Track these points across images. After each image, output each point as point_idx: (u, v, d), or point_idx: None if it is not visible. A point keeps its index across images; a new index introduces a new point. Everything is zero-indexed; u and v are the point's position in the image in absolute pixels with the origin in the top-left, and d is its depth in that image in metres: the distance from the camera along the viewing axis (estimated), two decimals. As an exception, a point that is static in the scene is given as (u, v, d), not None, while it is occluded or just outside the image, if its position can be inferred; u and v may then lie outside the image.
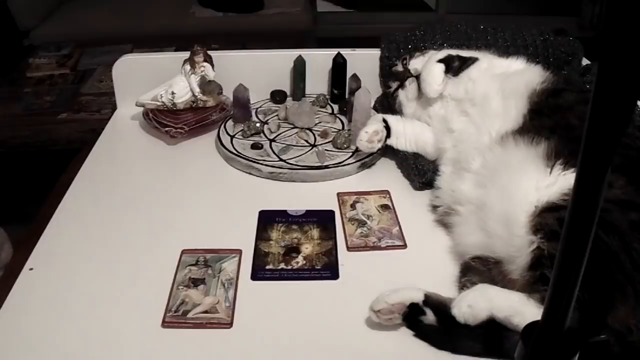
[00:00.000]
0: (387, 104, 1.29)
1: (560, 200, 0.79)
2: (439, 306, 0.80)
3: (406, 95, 1.18)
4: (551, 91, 0.99)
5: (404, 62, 1.21)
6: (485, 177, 0.94)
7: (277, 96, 1.39)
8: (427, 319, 0.80)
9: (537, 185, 0.83)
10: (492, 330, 0.77)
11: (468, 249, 0.91)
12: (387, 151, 1.20)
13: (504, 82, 1.04)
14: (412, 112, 1.19)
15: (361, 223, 1.03)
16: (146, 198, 1.11)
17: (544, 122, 0.93)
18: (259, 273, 0.92)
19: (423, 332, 0.80)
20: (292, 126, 1.29)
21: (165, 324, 0.83)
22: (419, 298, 0.80)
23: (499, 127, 0.97)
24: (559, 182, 0.82)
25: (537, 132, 0.91)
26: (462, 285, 0.86)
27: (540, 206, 0.81)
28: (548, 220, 0.78)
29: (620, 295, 0.73)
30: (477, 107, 1.04)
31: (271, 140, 1.24)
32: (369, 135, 1.13)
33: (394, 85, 1.23)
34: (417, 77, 1.15)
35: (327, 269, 0.93)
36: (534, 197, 0.82)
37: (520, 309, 0.75)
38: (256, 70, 1.38)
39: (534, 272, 0.78)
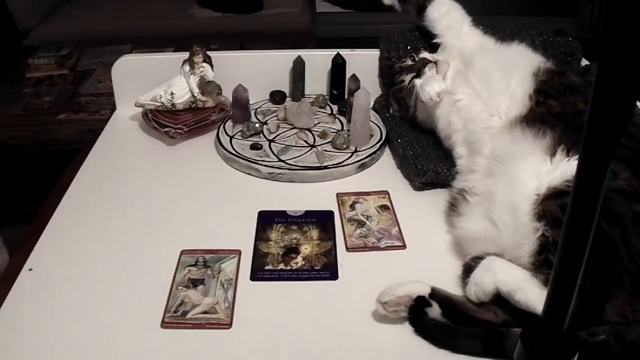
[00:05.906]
0: (389, 103, 1.29)
1: (564, 186, 0.80)
2: (444, 300, 0.81)
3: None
4: (557, 72, 1.01)
5: (412, 57, 1.23)
6: (494, 164, 0.95)
7: (277, 97, 1.39)
8: (432, 311, 0.81)
9: (539, 172, 0.84)
10: (492, 330, 0.77)
11: (472, 236, 0.92)
12: (387, 151, 1.20)
13: (499, 54, 1.08)
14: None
15: (360, 223, 1.03)
16: (145, 198, 1.11)
17: (551, 106, 0.95)
18: (258, 273, 0.92)
19: (424, 331, 0.80)
20: (291, 127, 1.29)
21: (164, 324, 0.83)
22: (425, 291, 0.82)
23: (507, 107, 0.99)
24: (561, 168, 0.83)
25: (544, 119, 0.93)
26: (465, 285, 0.86)
27: (543, 193, 0.82)
28: (551, 207, 0.79)
29: (618, 284, 0.74)
30: (479, 78, 1.06)
31: (270, 141, 1.24)
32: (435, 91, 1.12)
33: (408, 77, 1.22)
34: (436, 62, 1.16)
35: (327, 269, 0.93)
36: (536, 184, 0.83)
37: (523, 286, 0.76)
38: (255, 70, 1.38)
39: (539, 256, 0.80)
